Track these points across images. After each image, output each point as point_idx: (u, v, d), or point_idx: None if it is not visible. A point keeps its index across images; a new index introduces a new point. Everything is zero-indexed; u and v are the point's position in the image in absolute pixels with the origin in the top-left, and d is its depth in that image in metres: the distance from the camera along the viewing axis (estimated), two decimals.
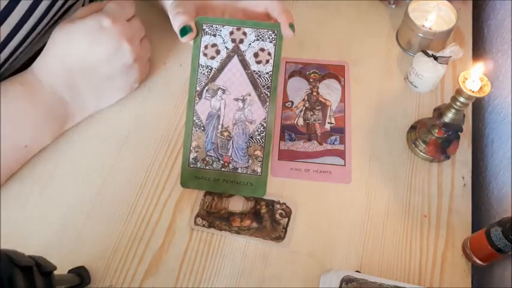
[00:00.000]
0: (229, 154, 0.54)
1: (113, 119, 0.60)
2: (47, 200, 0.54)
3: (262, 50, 0.51)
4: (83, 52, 0.52)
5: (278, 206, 0.54)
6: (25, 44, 0.54)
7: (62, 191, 0.55)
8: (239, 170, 0.54)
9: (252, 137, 0.53)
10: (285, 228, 0.52)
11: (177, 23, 0.49)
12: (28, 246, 0.50)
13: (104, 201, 0.54)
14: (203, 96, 0.52)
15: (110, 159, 0.57)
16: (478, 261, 0.48)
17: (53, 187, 0.55)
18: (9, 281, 0.32)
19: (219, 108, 0.53)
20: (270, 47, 0.51)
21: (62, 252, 0.50)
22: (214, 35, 0.51)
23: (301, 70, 0.66)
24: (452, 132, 0.55)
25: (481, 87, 0.48)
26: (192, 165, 0.54)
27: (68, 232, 0.52)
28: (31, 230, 0.52)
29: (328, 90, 0.64)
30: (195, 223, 0.52)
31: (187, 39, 0.50)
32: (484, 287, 0.55)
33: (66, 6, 0.58)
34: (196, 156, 0.54)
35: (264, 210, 0.53)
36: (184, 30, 0.49)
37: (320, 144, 0.59)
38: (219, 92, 0.52)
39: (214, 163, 0.54)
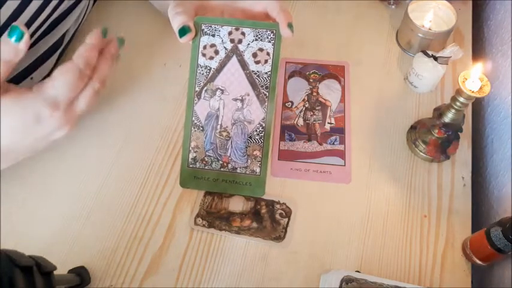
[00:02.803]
0: (228, 154, 0.54)
1: (113, 120, 0.60)
2: (47, 200, 0.54)
3: (261, 50, 0.51)
4: (12, 142, 0.44)
5: (278, 206, 0.54)
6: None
7: (62, 191, 0.55)
8: (238, 170, 0.54)
9: (250, 137, 0.53)
10: (285, 228, 0.52)
11: (176, 24, 0.49)
12: (28, 246, 0.50)
13: (104, 201, 0.54)
14: (202, 97, 0.52)
15: (110, 159, 0.57)
16: (478, 261, 0.48)
17: (53, 187, 0.55)
18: (9, 281, 0.32)
19: (218, 109, 0.53)
20: (268, 47, 0.51)
21: (62, 252, 0.50)
22: (213, 35, 0.51)
23: (301, 70, 0.66)
24: (452, 132, 0.55)
25: (480, 88, 0.48)
26: (191, 166, 0.54)
27: (68, 232, 0.52)
28: (31, 230, 0.52)
29: (328, 90, 0.64)
30: (195, 223, 0.52)
31: (186, 40, 0.50)
32: (484, 287, 0.55)
33: (60, 8, 0.58)
34: (196, 156, 0.54)
35: (264, 210, 0.53)
36: (183, 31, 0.49)
37: (320, 144, 0.59)
38: (218, 92, 0.52)
39: (213, 163, 0.54)
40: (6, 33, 0.42)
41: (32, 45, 0.58)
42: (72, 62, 0.44)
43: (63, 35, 0.62)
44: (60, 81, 0.44)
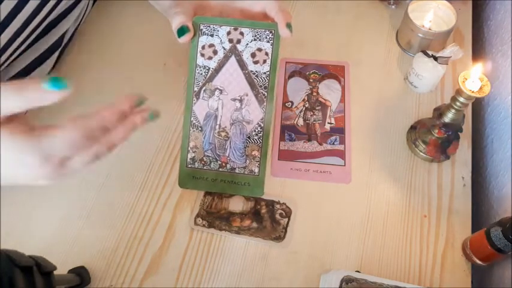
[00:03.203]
0: (227, 154, 0.54)
1: None
2: (47, 200, 0.54)
3: (259, 50, 0.51)
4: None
5: (278, 206, 0.54)
6: (15, 44, 0.54)
7: (62, 191, 0.55)
8: (237, 170, 0.54)
9: (249, 137, 0.53)
10: (285, 228, 0.52)
11: (174, 24, 0.49)
12: (28, 246, 0.50)
13: (104, 201, 0.54)
14: (201, 97, 0.52)
15: (109, 159, 0.57)
16: (478, 261, 0.48)
17: (53, 187, 0.55)
18: (9, 281, 0.32)
19: (217, 109, 0.53)
20: (267, 47, 0.51)
21: (62, 252, 0.50)
22: (212, 35, 0.51)
23: (301, 70, 0.66)
24: (452, 132, 0.55)
25: (480, 88, 0.48)
26: (190, 166, 0.54)
27: (68, 232, 0.52)
28: (31, 230, 0.52)
29: (328, 90, 0.64)
30: (195, 223, 0.52)
31: (185, 40, 0.49)
32: (484, 287, 0.55)
33: (59, 8, 0.58)
34: (194, 156, 0.54)
35: (264, 210, 0.53)
36: (182, 31, 0.49)
37: (320, 144, 0.59)
38: (217, 92, 0.52)
39: (212, 163, 0.54)
40: (50, 81, 0.36)
41: (30, 45, 0.58)
42: (88, 120, 0.39)
43: (63, 35, 0.62)
44: (66, 137, 0.38)
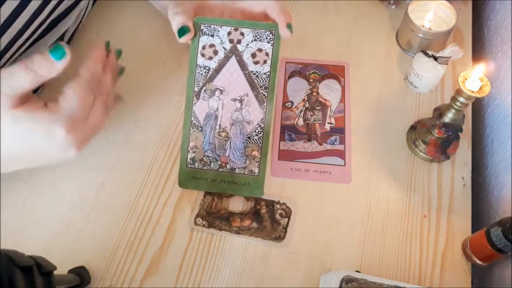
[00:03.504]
0: (227, 154, 0.54)
1: (112, 120, 0.60)
2: (47, 200, 0.54)
3: (259, 50, 0.51)
4: (21, 154, 0.44)
5: (278, 206, 0.54)
6: (17, 44, 0.54)
7: (62, 191, 0.55)
8: (236, 171, 0.54)
9: (249, 138, 0.53)
10: (285, 228, 0.52)
11: (175, 24, 0.49)
12: (28, 246, 0.50)
13: (104, 201, 0.54)
14: (201, 97, 0.52)
15: (110, 159, 0.57)
16: (478, 261, 0.48)
17: (53, 187, 0.55)
18: (9, 281, 0.32)
19: (217, 109, 0.53)
20: (267, 47, 0.51)
21: (62, 252, 0.50)
22: (212, 36, 0.51)
23: (301, 70, 0.66)
24: (452, 132, 0.55)
25: (480, 88, 0.48)
26: (189, 166, 0.54)
27: (68, 232, 0.52)
28: (31, 230, 0.52)
29: (328, 90, 0.64)
30: (195, 223, 0.52)
31: (185, 40, 0.50)
32: (484, 287, 0.55)
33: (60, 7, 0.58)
34: (194, 156, 0.54)
35: (264, 210, 0.53)
36: (182, 31, 0.49)
37: (320, 144, 0.59)
38: (217, 93, 0.52)
39: (212, 163, 0.54)
40: (48, 49, 0.41)
41: (32, 45, 0.58)
42: (80, 76, 0.43)
43: (63, 35, 0.62)
44: (73, 98, 0.42)
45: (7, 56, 0.54)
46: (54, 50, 0.41)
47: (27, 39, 0.55)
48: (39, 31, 0.57)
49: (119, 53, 0.48)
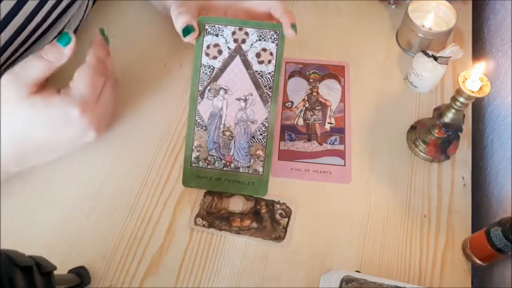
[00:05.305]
0: (231, 154, 0.54)
1: (112, 119, 0.60)
2: (47, 200, 0.54)
3: (264, 50, 0.51)
4: (43, 141, 0.48)
5: (278, 206, 0.54)
6: (15, 44, 0.54)
7: (62, 191, 0.55)
8: (241, 170, 0.54)
9: (253, 137, 0.53)
10: (285, 228, 0.52)
11: (179, 23, 0.49)
12: (28, 246, 0.50)
13: (103, 201, 0.54)
14: (205, 96, 0.52)
15: (110, 159, 0.57)
16: (478, 261, 0.48)
17: (53, 187, 0.55)
18: (9, 281, 0.32)
19: (221, 108, 0.53)
20: (272, 47, 0.51)
21: (62, 252, 0.50)
22: (217, 35, 0.51)
23: (301, 70, 0.66)
24: (452, 132, 0.55)
25: (480, 88, 0.48)
26: (194, 165, 0.54)
27: (68, 232, 0.52)
28: (31, 230, 0.52)
29: (328, 90, 0.64)
30: (195, 223, 0.52)
31: (190, 39, 0.50)
32: (484, 287, 0.55)
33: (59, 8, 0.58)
34: (199, 155, 0.54)
35: (264, 210, 0.53)
36: (187, 30, 0.49)
37: (320, 144, 0.59)
38: (221, 92, 0.52)
39: (216, 162, 0.54)
40: (56, 38, 0.46)
41: (31, 45, 0.58)
42: (87, 62, 0.48)
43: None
44: (82, 80, 0.47)
45: (5, 55, 0.54)
46: (61, 37, 0.46)
47: (26, 39, 0.55)
48: (39, 31, 0.57)
49: (101, 32, 0.54)
